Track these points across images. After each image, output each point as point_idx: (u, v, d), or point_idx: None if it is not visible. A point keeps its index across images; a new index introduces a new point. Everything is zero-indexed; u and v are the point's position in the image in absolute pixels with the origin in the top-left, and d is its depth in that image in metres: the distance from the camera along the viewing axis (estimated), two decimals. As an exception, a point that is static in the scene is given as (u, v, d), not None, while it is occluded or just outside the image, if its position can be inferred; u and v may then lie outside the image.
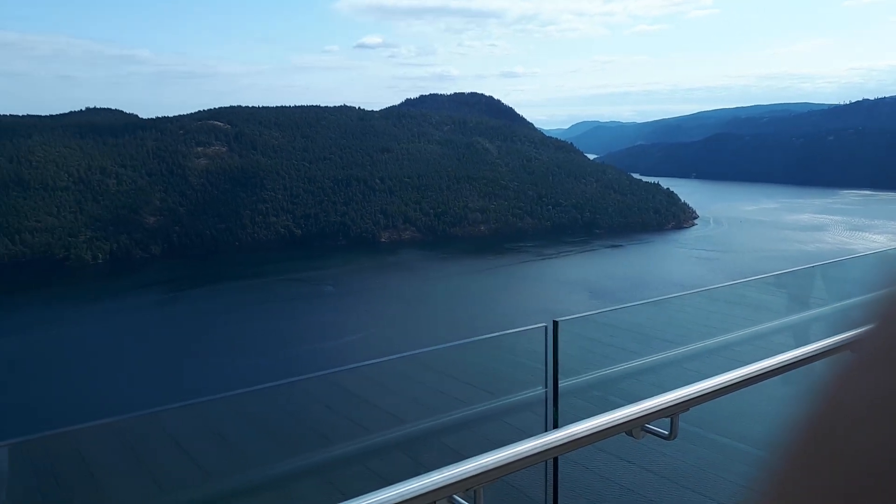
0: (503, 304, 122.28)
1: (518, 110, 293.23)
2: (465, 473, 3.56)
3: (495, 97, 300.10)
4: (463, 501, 3.59)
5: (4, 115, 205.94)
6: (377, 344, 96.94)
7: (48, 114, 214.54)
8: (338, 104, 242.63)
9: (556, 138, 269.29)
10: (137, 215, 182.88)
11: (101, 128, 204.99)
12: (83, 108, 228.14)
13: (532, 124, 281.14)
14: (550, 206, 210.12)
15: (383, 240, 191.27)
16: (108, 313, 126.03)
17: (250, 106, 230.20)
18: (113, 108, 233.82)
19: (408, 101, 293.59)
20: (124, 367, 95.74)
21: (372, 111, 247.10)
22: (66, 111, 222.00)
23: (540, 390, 5.47)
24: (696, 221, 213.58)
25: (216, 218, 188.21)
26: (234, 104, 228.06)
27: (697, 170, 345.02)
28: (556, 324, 5.43)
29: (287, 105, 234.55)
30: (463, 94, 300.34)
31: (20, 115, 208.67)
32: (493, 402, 6.09)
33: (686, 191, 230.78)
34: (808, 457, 0.55)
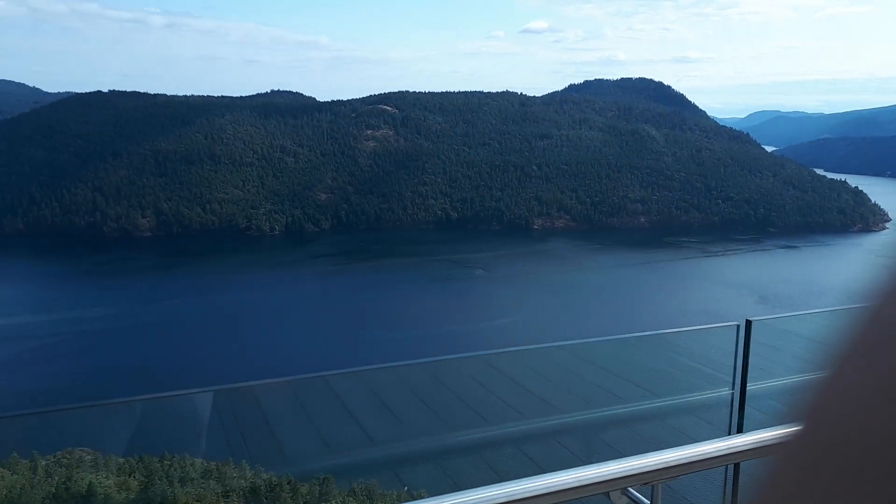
0: (659, 301, 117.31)
1: (689, 97, 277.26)
2: (645, 467, 3.55)
3: (665, 83, 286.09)
4: (638, 495, 3.55)
5: (201, 96, 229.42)
6: (524, 331, 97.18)
7: (238, 95, 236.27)
8: (500, 90, 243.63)
9: (731, 128, 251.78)
10: (311, 192, 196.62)
11: (282, 109, 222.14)
12: (268, 91, 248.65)
13: (704, 112, 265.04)
14: (720, 200, 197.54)
15: (536, 227, 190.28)
16: (282, 281, 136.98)
17: (417, 91, 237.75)
18: (294, 90, 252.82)
19: (571, 86, 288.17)
20: (296, 330, 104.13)
21: (534, 97, 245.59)
22: (253, 93, 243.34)
23: (723, 392, 5.22)
24: (887, 225, 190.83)
25: (380, 197, 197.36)
26: (403, 89, 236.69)
27: (894, 168, 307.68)
28: (749, 323, 5.16)
29: (451, 90, 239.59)
30: (630, 79, 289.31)
31: (215, 95, 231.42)
32: (655, 401, 5.92)
33: (879, 190, 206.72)
34: None
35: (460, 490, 3.04)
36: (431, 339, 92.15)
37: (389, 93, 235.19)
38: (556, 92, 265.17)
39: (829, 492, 0.52)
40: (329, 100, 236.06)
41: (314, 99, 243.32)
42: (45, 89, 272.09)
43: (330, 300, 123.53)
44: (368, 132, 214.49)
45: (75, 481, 8.58)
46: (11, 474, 9.61)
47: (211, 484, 7.77)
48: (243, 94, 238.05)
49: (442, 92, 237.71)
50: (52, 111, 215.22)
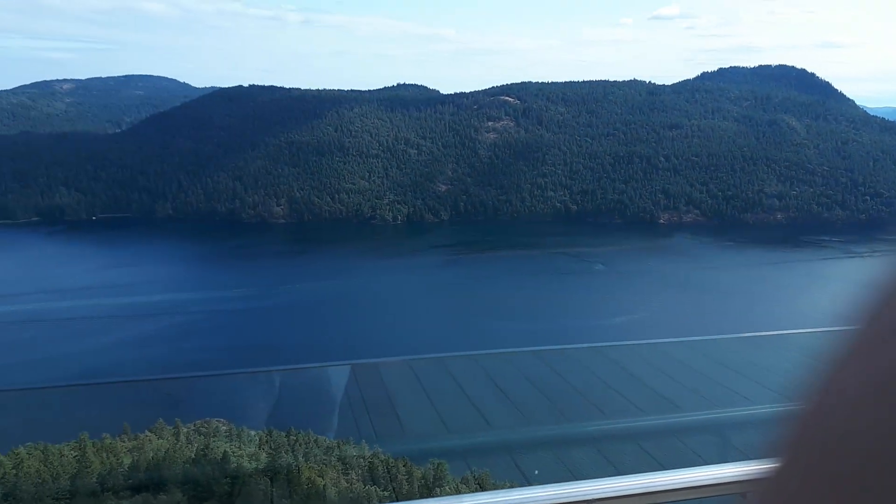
0: (796, 304, 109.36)
1: (836, 85, 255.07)
2: None
3: (808, 70, 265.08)
4: None
5: (332, 90, 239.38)
6: (645, 330, 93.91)
7: (366, 89, 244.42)
8: (627, 78, 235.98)
9: (883, 118, 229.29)
10: (432, 183, 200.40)
11: (407, 101, 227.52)
12: (394, 84, 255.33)
13: (853, 101, 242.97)
14: (868, 197, 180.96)
15: (662, 221, 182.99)
16: (403, 268, 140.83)
17: (539, 81, 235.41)
18: (418, 83, 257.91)
19: (704, 74, 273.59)
20: (415, 316, 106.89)
21: (663, 85, 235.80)
22: (380, 86, 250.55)
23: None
24: None
25: (498, 189, 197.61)
26: (525, 80, 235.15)
27: None
28: None
29: (575, 80, 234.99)
30: (769, 66, 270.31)
31: (344, 89, 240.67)
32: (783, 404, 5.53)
33: None
34: None
35: (578, 480, 2.99)
36: (547, 334, 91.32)
37: (511, 83, 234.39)
38: (688, 80, 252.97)
39: (829, 492, 0.53)
40: (452, 92, 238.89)
41: (438, 91, 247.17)
42: (193, 84, 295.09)
43: (448, 289, 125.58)
44: (489, 123, 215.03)
45: (212, 449, 9.25)
46: (158, 438, 10.53)
47: (332, 460, 8.10)
48: (371, 88, 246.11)
49: (565, 81, 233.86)
50: (199, 105, 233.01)
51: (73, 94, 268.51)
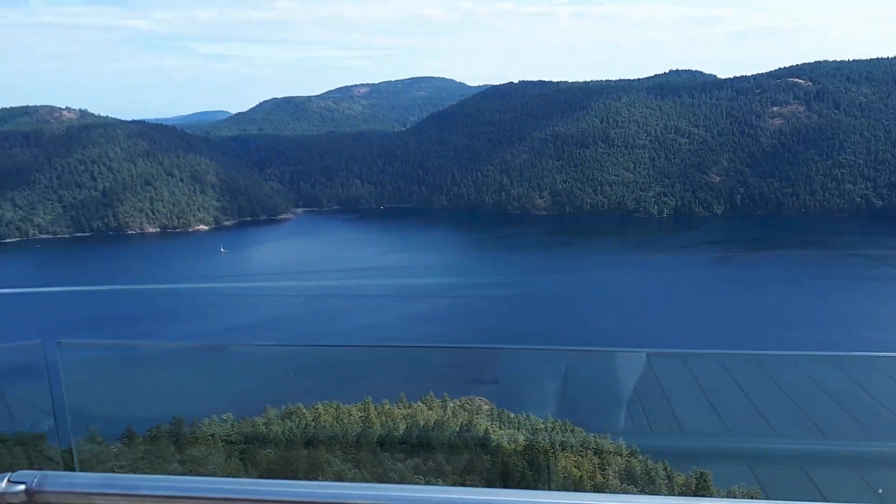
0: None
1: None
2: None
3: None
4: None
5: (598, 81, 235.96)
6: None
7: (634, 77, 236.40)
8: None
9: None
10: (704, 174, 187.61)
11: (679, 88, 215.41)
12: (665, 71, 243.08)
13: None
14: None
15: None
16: (668, 265, 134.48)
17: (837, 60, 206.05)
18: (692, 69, 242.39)
19: None
20: (676, 315, 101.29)
21: None
22: (650, 74, 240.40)
23: None
24: None
25: (783, 181, 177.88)
26: (819, 59, 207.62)
27: None
28: None
29: (883, 57, 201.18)
30: None
31: (612, 79, 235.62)
32: None
33: None
34: None
35: None
36: (840, 348, 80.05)
37: (802, 64, 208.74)
38: None
39: None
40: (731, 76, 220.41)
41: (714, 76, 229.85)
42: (469, 84, 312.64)
43: (716, 289, 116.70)
44: (774, 109, 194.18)
45: (474, 425, 9.83)
46: (428, 409, 11.49)
47: (588, 453, 8.07)
48: (640, 77, 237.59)
49: (869, 59, 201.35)
50: (472, 103, 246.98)
51: (367, 96, 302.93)
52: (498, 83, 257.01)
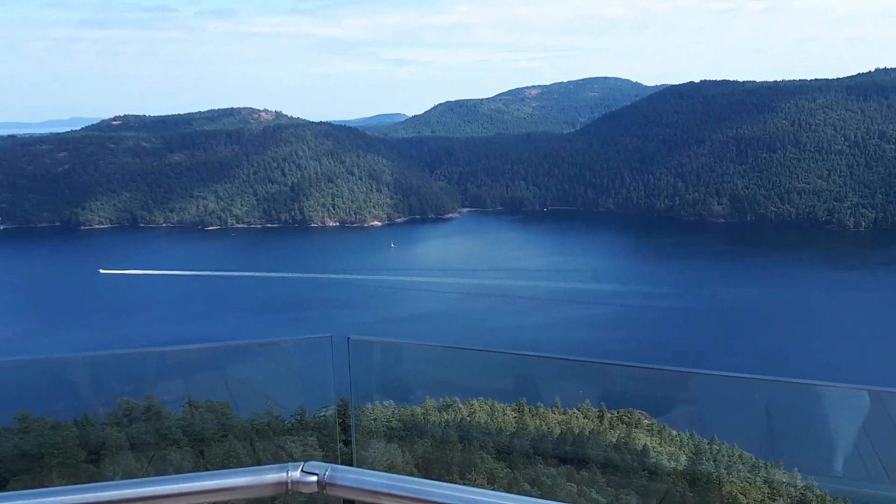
0: None
1: None
2: None
3: None
4: None
5: (790, 80, 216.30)
6: None
7: (833, 77, 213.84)
8: None
9: None
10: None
11: (887, 89, 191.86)
12: (870, 70, 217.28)
13: None
14: None
15: None
16: (866, 283, 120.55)
17: None
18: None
19: None
20: (872, 343, 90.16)
21: None
22: (852, 73, 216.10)
23: None
24: None
25: None
26: None
27: None
28: None
29: None
30: None
31: (807, 79, 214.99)
32: None
33: None
34: None
35: None
36: None
37: None
38: None
39: None
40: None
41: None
42: (645, 84, 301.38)
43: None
44: None
45: (632, 439, 9.47)
46: (583, 417, 11.24)
47: (757, 480, 7.50)
48: (839, 76, 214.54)
49: None
50: (648, 103, 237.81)
51: (538, 98, 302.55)
52: (676, 83, 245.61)
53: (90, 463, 8.05)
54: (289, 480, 3.22)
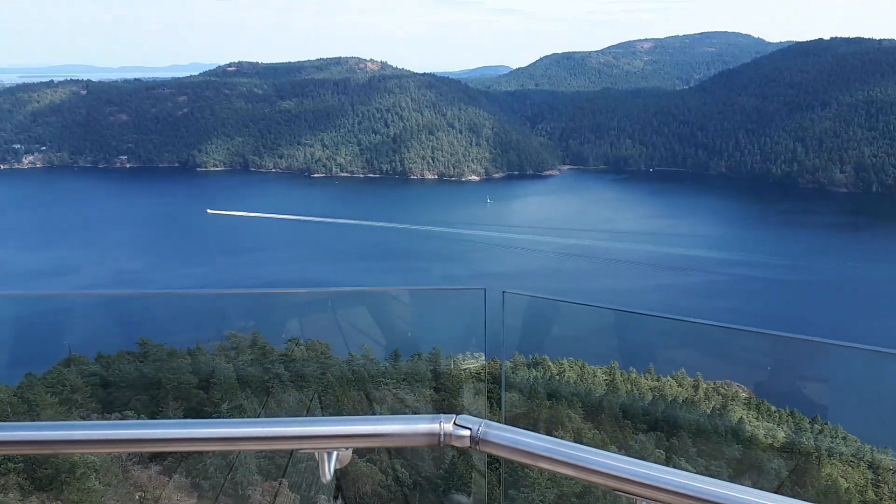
0: None
1: None
2: None
3: None
4: None
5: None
6: None
7: None
8: None
9: None
10: None
11: None
12: None
13: None
14: None
15: None
16: None
17: None
18: None
19: None
20: None
21: None
22: None
23: None
24: None
25: None
26: None
27: None
28: None
29: None
30: None
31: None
32: None
33: None
34: None
35: None
36: None
37: None
38: None
39: None
40: None
41: None
42: (767, 40, 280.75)
43: None
44: None
45: (728, 411, 9.23)
46: (678, 385, 11.02)
47: (861, 465, 7.17)
48: None
49: None
50: (769, 61, 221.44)
51: (651, 52, 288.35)
52: (803, 39, 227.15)
53: (200, 389, 8.70)
54: (441, 432, 3.15)
